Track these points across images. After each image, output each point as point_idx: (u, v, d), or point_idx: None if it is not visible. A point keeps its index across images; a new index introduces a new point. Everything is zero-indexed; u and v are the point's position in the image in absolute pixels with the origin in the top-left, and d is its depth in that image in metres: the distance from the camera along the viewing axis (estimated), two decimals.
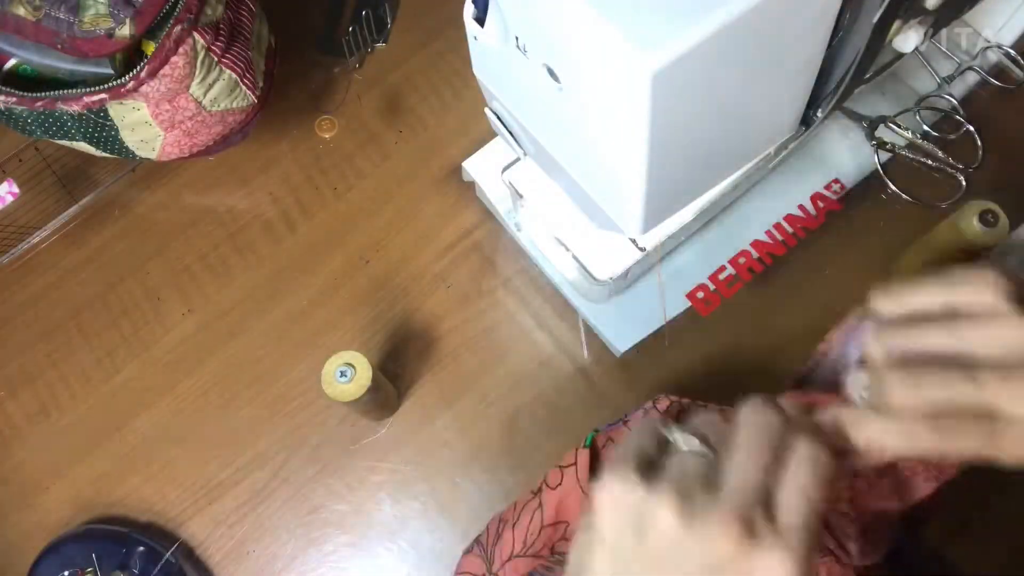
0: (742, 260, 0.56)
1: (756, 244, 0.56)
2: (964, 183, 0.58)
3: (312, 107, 0.64)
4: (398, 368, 0.56)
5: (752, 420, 0.35)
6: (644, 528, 0.33)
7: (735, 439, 0.35)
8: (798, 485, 0.34)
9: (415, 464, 0.54)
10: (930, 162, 0.59)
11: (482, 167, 0.57)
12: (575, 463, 0.44)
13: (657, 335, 0.55)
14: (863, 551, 0.41)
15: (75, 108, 0.50)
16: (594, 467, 0.44)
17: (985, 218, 0.48)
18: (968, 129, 0.59)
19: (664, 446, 0.36)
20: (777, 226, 0.57)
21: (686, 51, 0.32)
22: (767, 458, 0.34)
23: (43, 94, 0.50)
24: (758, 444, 0.35)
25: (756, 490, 0.34)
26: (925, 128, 0.59)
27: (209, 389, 0.57)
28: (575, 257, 0.51)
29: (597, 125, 0.37)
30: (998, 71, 0.60)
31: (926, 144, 0.59)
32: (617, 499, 0.34)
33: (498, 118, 0.48)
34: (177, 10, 0.48)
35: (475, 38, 0.41)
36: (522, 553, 0.44)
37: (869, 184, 0.59)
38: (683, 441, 0.35)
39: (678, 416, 0.44)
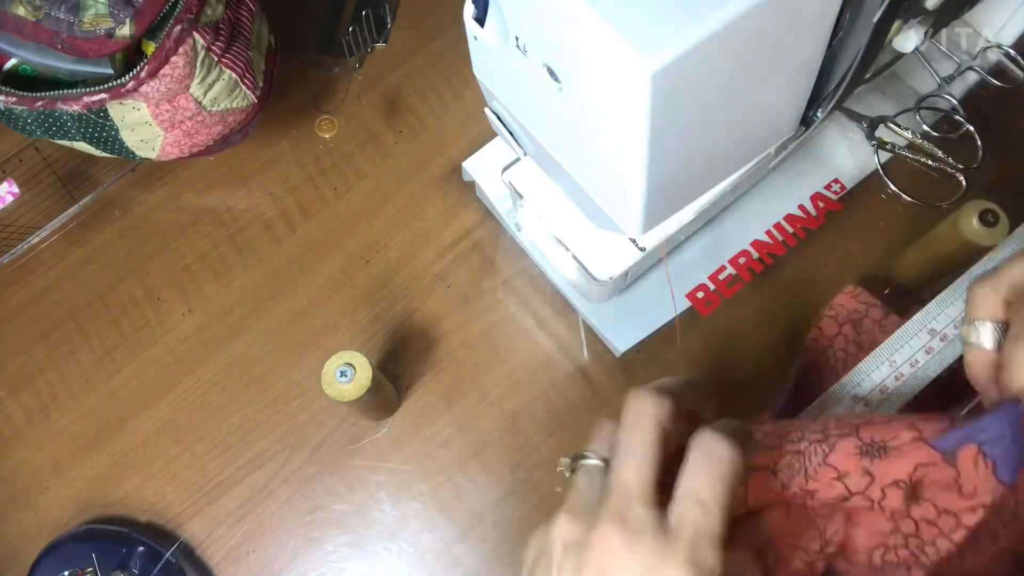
0: (742, 260, 0.56)
1: (756, 244, 0.56)
2: (964, 183, 0.58)
3: (312, 107, 0.64)
4: (398, 368, 0.56)
5: (628, 420, 0.34)
6: (553, 552, 0.33)
7: (619, 441, 0.34)
8: (689, 484, 0.32)
9: (415, 464, 0.54)
10: (930, 162, 0.59)
11: (482, 167, 0.57)
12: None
13: (657, 335, 0.55)
14: None
15: (75, 108, 0.50)
16: None
17: (985, 218, 0.48)
18: (968, 129, 0.58)
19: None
20: (777, 226, 0.57)
21: (685, 52, 0.32)
22: (648, 454, 0.33)
23: (43, 94, 0.50)
24: (636, 444, 0.33)
25: (638, 488, 0.33)
26: (925, 128, 0.59)
27: (209, 389, 0.57)
28: (575, 257, 0.51)
29: (597, 125, 0.37)
30: (998, 71, 0.60)
31: (926, 144, 0.58)
32: (538, 536, 0.35)
33: (498, 118, 0.48)
34: (177, 10, 0.48)
35: (475, 38, 0.41)
36: None
37: (869, 184, 0.59)
38: (574, 463, 0.36)
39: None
